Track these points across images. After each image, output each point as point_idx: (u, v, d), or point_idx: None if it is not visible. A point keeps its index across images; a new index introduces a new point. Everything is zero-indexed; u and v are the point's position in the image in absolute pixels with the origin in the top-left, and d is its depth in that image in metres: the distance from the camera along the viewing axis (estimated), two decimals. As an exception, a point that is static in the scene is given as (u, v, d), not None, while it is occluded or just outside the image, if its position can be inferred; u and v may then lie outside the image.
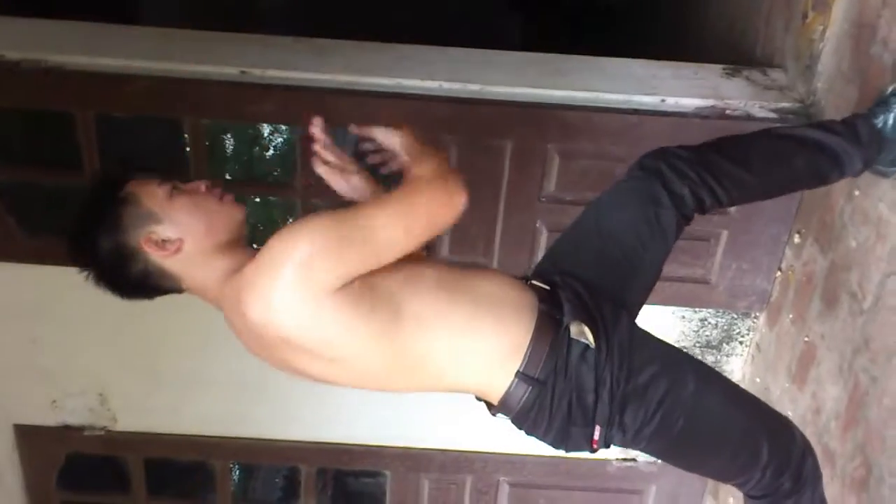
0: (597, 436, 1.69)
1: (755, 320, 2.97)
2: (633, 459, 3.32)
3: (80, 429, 3.26)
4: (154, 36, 2.75)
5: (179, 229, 1.61)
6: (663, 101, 2.59)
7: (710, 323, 2.99)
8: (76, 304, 3.01)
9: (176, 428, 3.28)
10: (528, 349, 1.64)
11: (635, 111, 2.58)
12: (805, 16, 2.58)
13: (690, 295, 2.91)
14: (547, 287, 1.74)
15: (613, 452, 3.31)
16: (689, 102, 2.60)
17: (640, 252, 1.84)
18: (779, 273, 2.83)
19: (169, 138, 3.11)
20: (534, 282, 1.76)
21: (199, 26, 2.81)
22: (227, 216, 1.65)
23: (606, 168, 2.57)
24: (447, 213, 1.57)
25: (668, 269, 2.82)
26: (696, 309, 2.97)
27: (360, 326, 1.53)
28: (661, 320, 2.97)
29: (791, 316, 2.72)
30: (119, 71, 2.55)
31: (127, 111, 2.69)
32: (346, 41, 2.77)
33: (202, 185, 1.66)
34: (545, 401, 1.66)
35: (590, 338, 1.65)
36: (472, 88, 2.60)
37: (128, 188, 1.62)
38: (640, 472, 3.35)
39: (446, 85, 2.60)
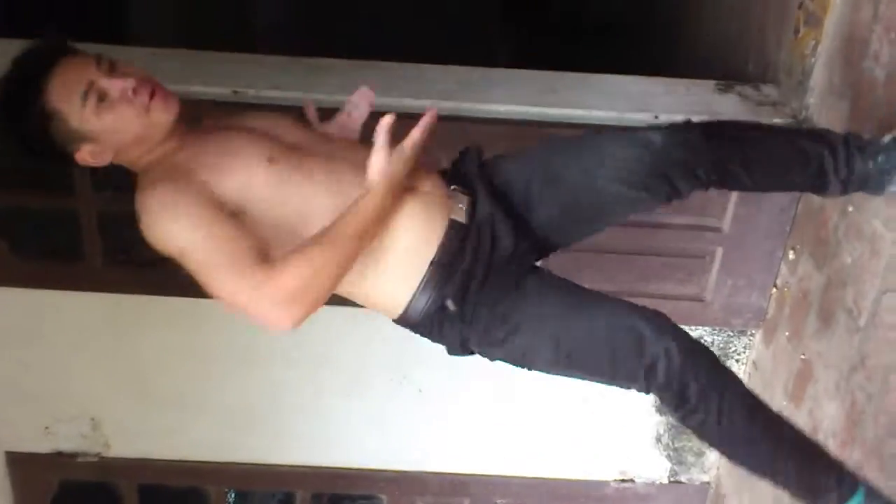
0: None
1: (751, 338, 2.95)
2: (632, 480, 3.29)
3: (73, 455, 3.22)
4: (145, 56, 2.73)
5: (109, 145, 1.66)
6: (656, 117, 2.58)
7: (706, 341, 2.96)
8: (68, 329, 2.99)
9: (170, 453, 3.25)
10: (408, 303, 1.77)
11: (628, 128, 2.58)
12: (797, 31, 2.59)
13: (685, 313, 2.89)
14: (466, 220, 1.79)
15: (612, 473, 3.28)
16: (683, 119, 2.59)
17: (605, 218, 1.93)
18: (774, 290, 2.81)
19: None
20: (460, 208, 1.80)
21: (192, 47, 2.81)
22: (157, 123, 1.67)
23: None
24: (257, 318, 1.58)
25: (663, 286, 2.86)
26: (692, 327, 2.95)
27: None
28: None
29: (787, 333, 2.71)
30: (110, 92, 2.54)
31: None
32: (341, 60, 2.76)
33: (129, 90, 1.63)
34: (425, 333, 1.83)
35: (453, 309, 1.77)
36: (466, 106, 2.60)
37: (51, 99, 1.60)
38: (638, 493, 3.31)
39: (440, 103, 2.59)
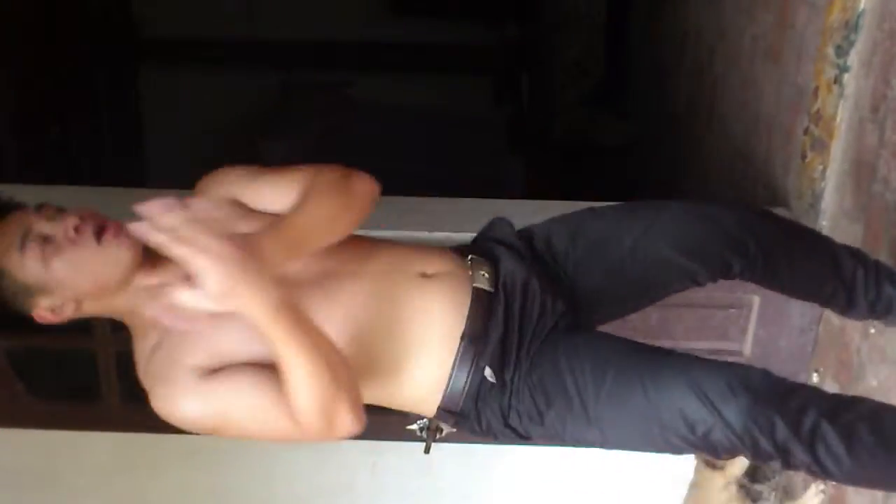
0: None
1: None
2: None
3: None
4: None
5: (67, 293, 1.49)
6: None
7: (733, 467, 2.90)
8: (86, 470, 2.96)
9: None
10: (447, 386, 1.64)
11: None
12: (804, 156, 2.61)
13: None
14: (491, 287, 1.69)
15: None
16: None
17: (649, 290, 1.86)
18: (801, 413, 2.75)
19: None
20: (483, 275, 1.70)
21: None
22: (113, 262, 1.48)
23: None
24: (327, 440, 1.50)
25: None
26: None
27: None
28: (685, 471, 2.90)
29: (817, 458, 2.63)
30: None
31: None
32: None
33: (70, 228, 1.45)
34: (470, 424, 1.69)
35: (493, 380, 1.65)
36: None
37: None
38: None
39: (454, 235, 2.60)
